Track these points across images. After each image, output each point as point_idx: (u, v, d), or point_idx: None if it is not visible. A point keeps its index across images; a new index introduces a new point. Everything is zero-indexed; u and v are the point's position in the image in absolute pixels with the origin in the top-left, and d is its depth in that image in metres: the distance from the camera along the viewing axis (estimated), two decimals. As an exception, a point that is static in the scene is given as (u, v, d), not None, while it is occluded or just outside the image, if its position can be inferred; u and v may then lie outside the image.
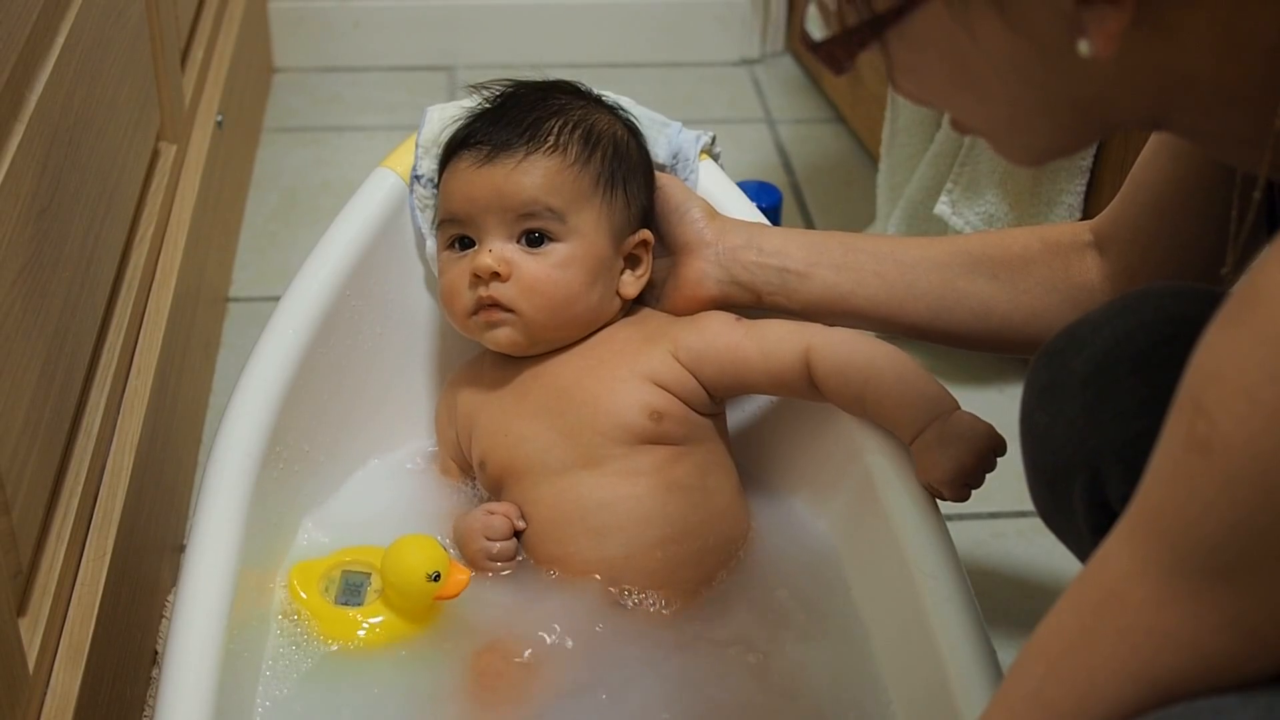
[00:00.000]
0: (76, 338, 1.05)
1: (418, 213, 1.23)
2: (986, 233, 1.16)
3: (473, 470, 1.18)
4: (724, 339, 1.12)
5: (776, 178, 1.94)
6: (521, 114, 1.15)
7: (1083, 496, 0.85)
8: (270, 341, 1.12)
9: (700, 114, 2.07)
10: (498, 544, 1.09)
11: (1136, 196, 1.00)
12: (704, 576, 1.09)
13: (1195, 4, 0.62)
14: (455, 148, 1.16)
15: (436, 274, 1.23)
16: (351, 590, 1.07)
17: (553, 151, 1.13)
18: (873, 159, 1.85)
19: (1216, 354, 0.57)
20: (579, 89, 1.20)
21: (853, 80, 1.97)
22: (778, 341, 1.10)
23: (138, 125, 1.28)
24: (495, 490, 1.15)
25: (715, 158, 1.28)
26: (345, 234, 1.19)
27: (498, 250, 1.11)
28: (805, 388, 1.10)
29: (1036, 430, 0.89)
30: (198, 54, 1.62)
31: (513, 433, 1.13)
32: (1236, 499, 0.56)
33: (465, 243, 1.14)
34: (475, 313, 1.13)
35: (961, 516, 1.41)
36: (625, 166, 1.16)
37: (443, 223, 1.16)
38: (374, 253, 1.20)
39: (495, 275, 1.11)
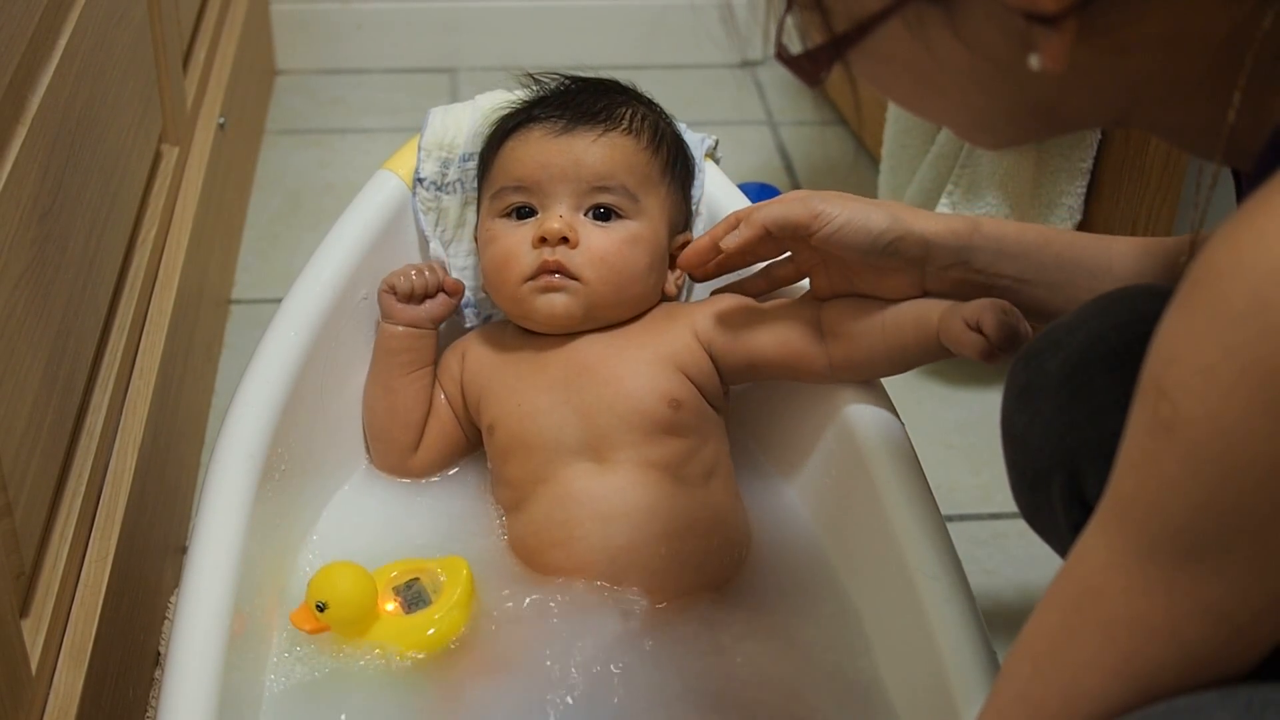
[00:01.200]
0: (79, 339, 1.05)
1: (421, 215, 1.23)
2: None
3: (463, 410, 1.18)
4: (739, 303, 1.13)
5: (778, 179, 1.94)
6: (590, 100, 1.16)
7: (1062, 496, 0.86)
8: (272, 343, 1.12)
9: (702, 116, 2.07)
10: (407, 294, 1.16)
11: None
12: (706, 581, 1.09)
13: (1142, 16, 0.63)
14: (520, 122, 1.16)
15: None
16: (416, 598, 1.06)
17: (628, 133, 1.14)
18: (874, 161, 1.85)
19: (1174, 336, 0.58)
20: (634, 90, 1.21)
21: (854, 83, 1.97)
22: (792, 298, 1.12)
23: (140, 127, 1.28)
24: (502, 457, 1.14)
25: (716, 161, 1.28)
26: (347, 236, 1.20)
27: (569, 217, 1.11)
28: (817, 345, 1.08)
29: (1015, 432, 0.89)
30: (200, 56, 1.62)
31: (526, 404, 1.12)
32: (1202, 477, 0.57)
33: (524, 212, 1.14)
34: (534, 277, 1.12)
35: (962, 517, 1.41)
36: (684, 166, 1.19)
37: (502, 190, 1.15)
38: (375, 254, 1.20)
39: (564, 240, 1.11)
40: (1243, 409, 0.55)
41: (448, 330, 1.26)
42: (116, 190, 1.18)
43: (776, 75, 2.24)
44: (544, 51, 2.20)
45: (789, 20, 0.71)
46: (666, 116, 1.21)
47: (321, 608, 1.02)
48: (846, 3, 0.67)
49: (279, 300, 1.16)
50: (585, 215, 1.12)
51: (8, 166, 0.89)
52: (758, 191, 1.57)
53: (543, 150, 1.13)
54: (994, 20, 0.64)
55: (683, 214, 1.19)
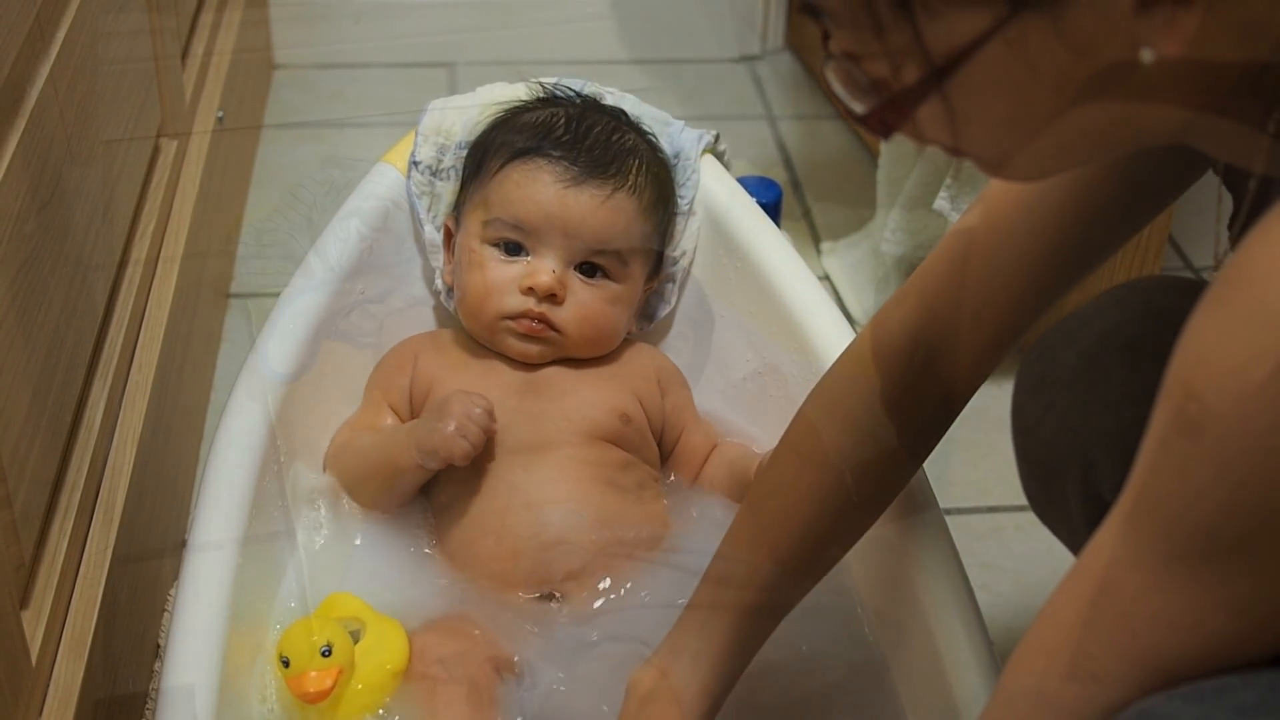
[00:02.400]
0: (78, 333, 1.05)
1: (415, 199, 1.23)
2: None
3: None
4: (698, 423, 1.19)
5: (777, 174, 1.94)
6: (601, 145, 1.16)
7: (1075, 488, 0.86)
8: (270, 336, 1.12)
9: (701, 111, 2.07)
10: (475, 427, 1.06)
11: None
12: (625, 550, 1.09)
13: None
14: (529, 151, 1.15)
15: (433, 261, 1.23)
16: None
17: (633, 192, 1.15)
18: (872, 155, 1.85)
19: (1203, 336, 0.58)
20: (637, 125, 1.22)
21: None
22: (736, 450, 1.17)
23: (138, 121, 1.28)
24: None
25: (720, 156, 1.28)
26: (345, 229, 1.20)
27: (560, 273, 1.13)
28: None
29: (1028, 424, 0.89)
30: (198, 50, 1.62)
31: None
32: (1230, 479, 0.56)
33: (513, 248, 1.14)
34: (515, 319, 1.13)
35: (960, 511, 1.41)
36: (672, 210, 1.21)
37: (497, 220, 1.15)
38: (374, 248, 1.21)
39: (551, 297, 1.12)
40: (1273, 411, 0.55)
41: (437, 315, 1.27)
42: (115, 183, 1.18)
43: (775, 70, 2.24)
44: (542, 47, 2.20)
45: (833, 76, 0.66)
46: (659, 150, 1.22)
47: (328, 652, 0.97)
48: (944, 32, 0.62)
49: (278, 294, 1.16)
50: (575, 269, 1.14)
51: (6, 159, 0.89)
52: (757, 186, 1.57)
53: (549, 199, 1.13)
54: (1105, 17, 0.60)
55: (656, 257, 1.21)
